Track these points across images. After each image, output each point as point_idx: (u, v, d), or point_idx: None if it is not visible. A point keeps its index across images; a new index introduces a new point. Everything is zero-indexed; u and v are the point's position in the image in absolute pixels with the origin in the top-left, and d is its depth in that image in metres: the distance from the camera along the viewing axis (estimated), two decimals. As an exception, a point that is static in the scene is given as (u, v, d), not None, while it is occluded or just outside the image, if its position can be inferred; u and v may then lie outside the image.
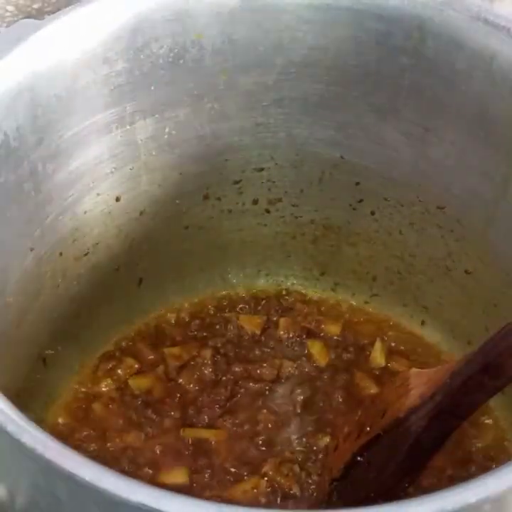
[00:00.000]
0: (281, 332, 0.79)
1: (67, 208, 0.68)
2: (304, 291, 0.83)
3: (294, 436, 0.71)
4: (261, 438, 0.71)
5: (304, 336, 0.78)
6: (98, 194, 0.70)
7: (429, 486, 0.65)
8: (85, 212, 0.69)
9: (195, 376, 0.74)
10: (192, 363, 0.75)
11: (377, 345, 0.77)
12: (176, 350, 0.76)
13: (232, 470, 0.69)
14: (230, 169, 0.76)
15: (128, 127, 0.69)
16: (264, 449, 0.70)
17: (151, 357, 0.76)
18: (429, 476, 0.66)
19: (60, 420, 0.72)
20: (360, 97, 0.70)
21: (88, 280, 0.73)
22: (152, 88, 0.68)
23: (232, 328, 0.78)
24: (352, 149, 0.74)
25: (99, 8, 0.64)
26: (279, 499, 0.67)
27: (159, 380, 0.74)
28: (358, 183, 0.76)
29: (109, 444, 0.70)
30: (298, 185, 0.78)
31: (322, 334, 0.79)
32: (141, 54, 0.66)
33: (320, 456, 0.70)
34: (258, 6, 0.68)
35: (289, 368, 0.76)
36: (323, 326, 0.79)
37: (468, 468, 0.69)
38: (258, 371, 0.75)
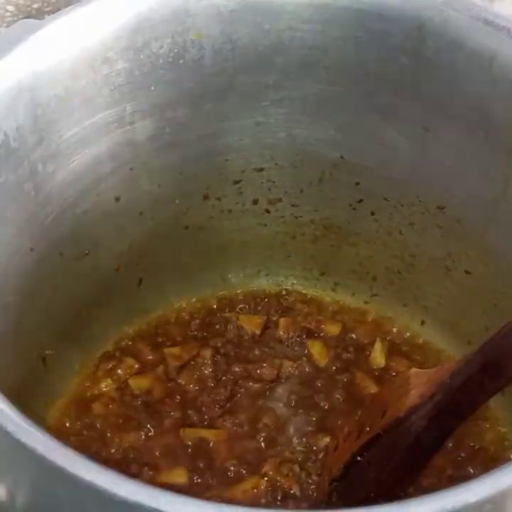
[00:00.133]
0: (281, 332, 0.79)
1: (67, 208, 0.68)
2: (304, 291, 0.83)
3: (294, 436, 0.71)
4: (261, 438, 0.71)
5: (304, 336, 0.78)
6: (98, 194, 0.70)
7: (429, 486, 0.65)
8: (85, 213, 0.69)
9: (195, 376, 0.74)
10: (192, 362, 0.75)
11: (377, 345, 0.77)
12: (176, 350, 0.76)
13: (232, 470, 0.69)
14: (230, 169, 0.76)
15: (128, 127, 0.69)
16: (264, 449, 0.70)
17: (151, 357, 0.76)
18: (429, 476, 0.66)
19: (60, 420, 0.72)
20: (360, 97, 0.70)
21: (88, 280, 0.73)
22: (152, 88, 0.68)
23: (232, 328, 0.78)
24: (352, 149, 0.74)
25: (99, 8, 0.64)
26: (279, 499, 0.67)
27: (159, 380, 0.74)
28: (357, 183, 0.76)
29: (109, 444, 0.70)
30: (298, 185, 0.78)
31: (322, 334, 0.79)
32: (141, 54, 0.66)
33: (320, 456, 0.70)
34: (258, 6, 0.68)
35: (289, 368, 0.76)
36: (323, 326, 0.79)
37: (468, 468, 0.69)
38: (258, 371, 0.75)
